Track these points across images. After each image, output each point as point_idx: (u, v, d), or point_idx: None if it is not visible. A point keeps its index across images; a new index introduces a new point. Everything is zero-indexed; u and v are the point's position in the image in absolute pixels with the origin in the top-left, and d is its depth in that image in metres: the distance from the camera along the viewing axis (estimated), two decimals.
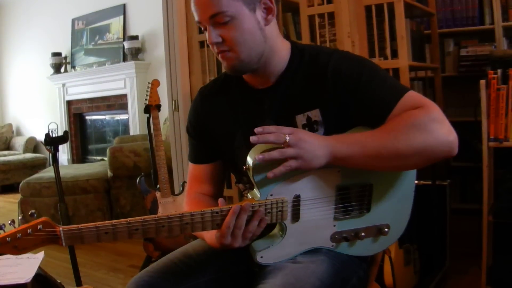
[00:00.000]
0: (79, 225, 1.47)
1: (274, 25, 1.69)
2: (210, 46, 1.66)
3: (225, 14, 1.56)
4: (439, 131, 1.48)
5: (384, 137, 1.50)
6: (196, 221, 1.52)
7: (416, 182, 1.74)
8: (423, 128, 1.48)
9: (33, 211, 1.51)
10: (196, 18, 1.63)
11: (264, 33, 1.64)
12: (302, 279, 1.50)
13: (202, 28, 1.65)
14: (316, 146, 1.48)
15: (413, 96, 1.57)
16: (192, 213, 1.51)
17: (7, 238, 1.43)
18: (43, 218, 1.46)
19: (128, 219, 1.48)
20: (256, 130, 1.48)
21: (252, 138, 1.47)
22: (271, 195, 1.56)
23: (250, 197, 1.60)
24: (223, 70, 1.76)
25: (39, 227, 1.45)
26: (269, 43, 1.67)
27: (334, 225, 1.64)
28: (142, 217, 1.49)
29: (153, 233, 1.50)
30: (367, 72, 1.61)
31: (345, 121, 1.64)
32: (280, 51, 1.72)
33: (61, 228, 1.46)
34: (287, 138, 1.45)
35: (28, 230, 1.44)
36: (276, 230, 1.65)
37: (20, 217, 1.49)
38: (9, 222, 1.49)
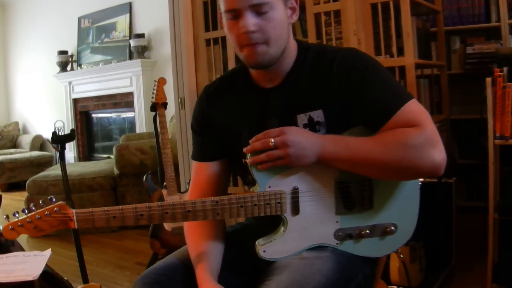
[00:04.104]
0: (90, 209, 1.59)
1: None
2: (236, 36, 1.63)
3: (268, 4, 1.58)
4: (429, 153, 1.52)
5: (375, 148, 1.54)
6: (198, 209, 1.60)
7: (421, 179, 1.74)
8: (414, 148, 1.51)
9: (52, 196, 1.64)
10: (230, 5, 1.60)
11: (289, 28, 1.69)
12: (308, 275, 1.51)
13: (230, 17, 1.62)
14: (305, 145, 1.54)
15: (413, 107, 1.58)
16: (193, 201, 1.59)
17: (28, 220, 1.59)
18: (59, 202, 1.60)
19: (135, 205, 1.59)
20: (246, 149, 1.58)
21: (245, 149, 1.57)
22: (269, 187, 1.61)
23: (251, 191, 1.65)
24: (232, 64, 1.76)
25: (55, 209, 1.60)
26: (289, 40, 1.70)
27: (337, 221, 1.66)
28: (147, 204, 1.59)
29: (158, 219, 1.60)
30: (371, 71, 1.62)
31: (347, 123, 1.65)
32: (291, 50, 1.73)
33: (74, 211, 1.59)
34: (272, 141, 1.52)
35: (46, 212, 1.59)
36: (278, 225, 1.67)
37: (31, 205, 1.62)
38: (13, 213, 1.62)
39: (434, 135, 1.53)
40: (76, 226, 1.60)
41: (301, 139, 1.54)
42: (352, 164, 1.57)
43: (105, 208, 1.59)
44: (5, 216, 1.62)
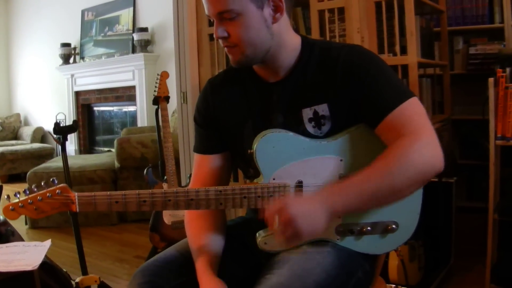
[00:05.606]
0: (93, 193, 1.61)
1: (284, 21, 1.69)
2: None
3: (232, 12, 1.59)
4: (432, 162, 1.51)
5: (379, 177, 1.50)
6: (201, 197, 1.61)
7: None
8: (413, 157, 1.49)
9: (54, 178, 1.65)
10: (206, 11, 1.66)
11: (271, 30, 1.66)
12: (308, 270, 1.51)
13: (211, 20, 1.68)
14: (310, 211, 1.47)
15: (413, 105, 1.58)
16: (197, 189, 1.61)
17: (29, 201, 1.61)
18: (62, 184, 1.62)
19: (138, 191, 1.60)
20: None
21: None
22: (274, 179, 1.62)
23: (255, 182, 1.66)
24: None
25: (57, 191, 1.61)
26: (277, 39, 1.68)
27: (339, 216, 1.65)
28: (151, 190, 1.61)
29: (160, 206, 1.62)
30: (375, 67, 1.63)
31: (352, 117, 1.65)
32: (290, 45, 1.73)
33: (76, 194, 1.62)
34: (277, 224, 1.45)
35: (48, 194, 1.61)
36: None
37: (33, 186, 1.63)
38: (14, 193, 1.64)
39: (431, 138, 1.53)
40: (77, 209, 1.61)
41: (303, 207, 1.47)
42: (364, 205, 1.56)
43: (108, 192, 1.60)
44: (6, 196, 1.63)
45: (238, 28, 1.61)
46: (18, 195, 1.62)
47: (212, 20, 1.67)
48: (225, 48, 1.69)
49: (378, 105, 1.59)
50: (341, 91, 1.64)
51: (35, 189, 1.62)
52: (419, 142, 1.51)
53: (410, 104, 1.58)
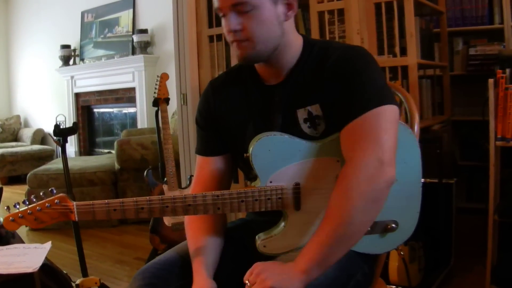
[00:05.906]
0: (91, 202, 1.61)
1: (291, 20, 1.70)
2: (226, 33, 1.67)
3: (248, 4, 1.57)
4: (382, 177, 1.47)
5: (338, 221, 1.47)
6: (199, 203, 1.61)
7: (422, 180, 1.74)
8: (362, 184, 1.46)
9: (53, 188, 1.66)
10: (216, 4, 1.64)
11: (282, 27, 1.65)
12: None
13: (220, 15, 1.66)
14: (278, 269, 1.47)
15: (380, 114, 1.53)
16: (194, 195, 1.61)
17: (28, 211, 1.62)
18: (60, 194, 1.62)
19: (135, 198, 1.61)
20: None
21: None
22: (271, 181, 1.62)
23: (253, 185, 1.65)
24: (235, 61, 1.77)
25: (56, 201, 1.61)
26: (285, 37, 1.68)
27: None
28: (148, 197, 1.61)
29: (158, 213, 1.62)
30: (362, 64, 1.61)
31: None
32: (294, 46, 1.72)
33: (74, 204, 1.61)
34: (247, 282, 1.48)
35: (47, 204, 1.61)
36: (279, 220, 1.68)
37: (32, 197, 1.64)
38: (14, 204, 1.65)
39: (378, 155, 1.49)
40: (76, 219, 1.61)
41: (271, 265, 1.49)
42: (339, 252, 1.50)
43: (106, 200, 1.60)
44: (6, 207, 1.64)
45: (252, 22, 1.60)
46: (17, 206, 1.64)
47: (221, 14, 1.65)
48: (233, 44, 1.66)
49: (354, 101, 1.56)
50: (330, 89, 1.62)
51: (34, 200, 1.63)
52: (364, 162, 1.48)
53: (385, 109, 1.54)
